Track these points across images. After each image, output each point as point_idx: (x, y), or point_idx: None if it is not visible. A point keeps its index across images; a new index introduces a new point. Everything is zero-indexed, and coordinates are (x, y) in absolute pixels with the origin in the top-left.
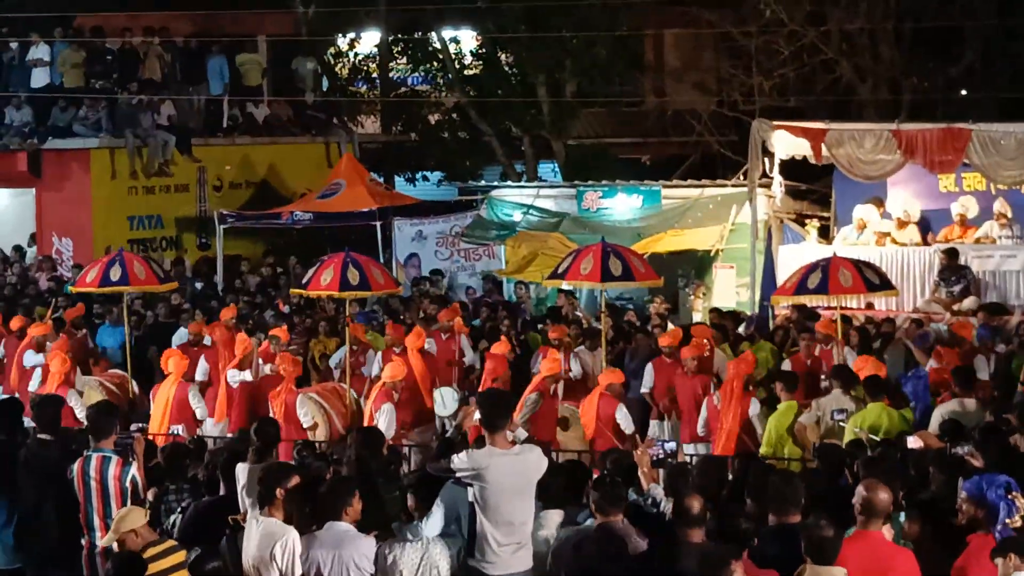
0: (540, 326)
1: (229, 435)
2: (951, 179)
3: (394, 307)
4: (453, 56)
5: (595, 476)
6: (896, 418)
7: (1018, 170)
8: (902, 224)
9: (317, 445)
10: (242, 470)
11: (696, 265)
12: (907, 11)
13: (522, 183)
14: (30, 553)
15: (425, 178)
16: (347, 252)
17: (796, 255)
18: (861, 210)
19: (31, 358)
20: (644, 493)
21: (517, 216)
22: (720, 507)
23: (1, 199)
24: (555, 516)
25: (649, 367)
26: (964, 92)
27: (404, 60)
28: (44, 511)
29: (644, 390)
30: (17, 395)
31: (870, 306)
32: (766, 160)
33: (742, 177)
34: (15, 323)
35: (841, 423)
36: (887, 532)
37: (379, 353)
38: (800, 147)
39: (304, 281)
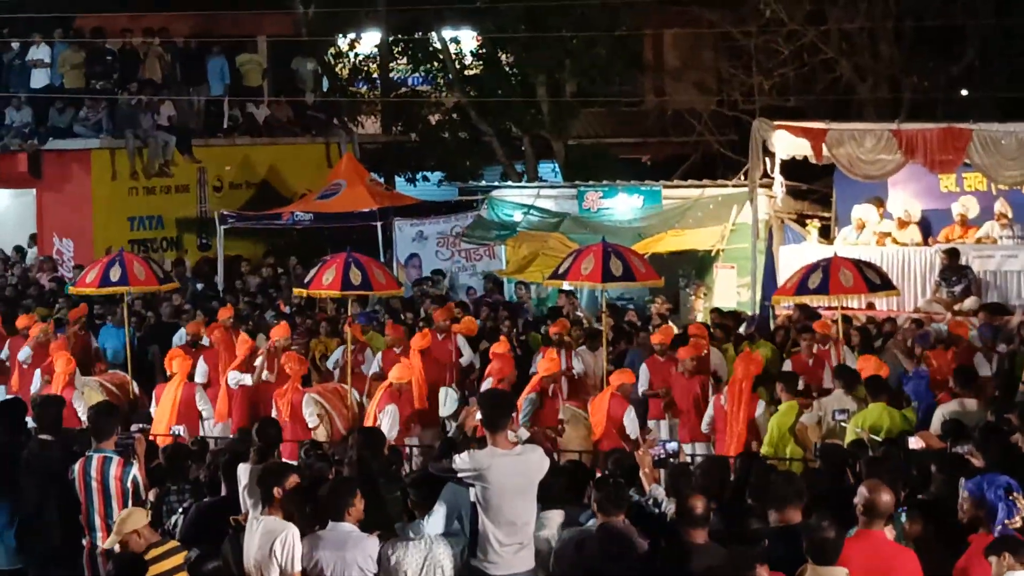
0: (542, 328)
1: (230, 436)
2: (952, 179)
3: (395, 307)
4: (453, 56)
5: (597, 476)
6: (897, 418)
7: (1019, 170)
8: (903, 224)
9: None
10: (244, 471)
11: (697, 265)
12: (907, 10)
13: (523, 183)
14: (31, 554)
15: (425, 178)
16: (349, 252)
17: (797, 255)
18: (861, 210)
19: (23, 354)
20: (646, 493)
21: (518, 216)
22: (726, 508)
23: (1, 200)
24: (556, 516)
25: (644, 367)
26: (964, 92)
27: (404, 60)
28: (45, 512)
29: (642, 389)
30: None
31: (871, 306)
32: (767, 160)
33: (743, 177)
34: (21, 322)
35: (842, 423)
36: (889, 532)
37: (379, 353)
38: (801, 147)
39: (306, 281)
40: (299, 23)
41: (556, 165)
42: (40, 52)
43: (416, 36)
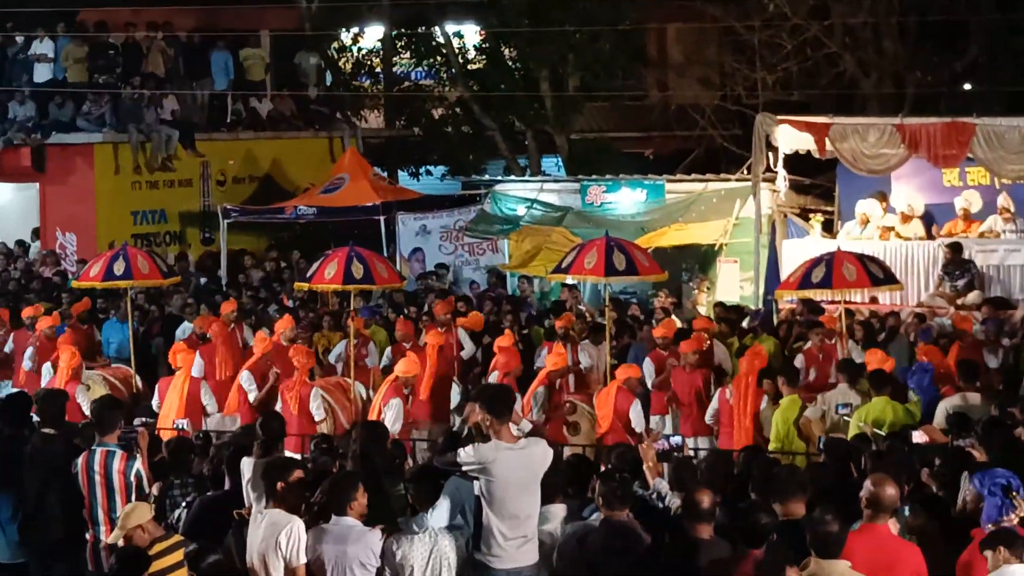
0: (545, 322)
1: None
2: (955, 173)
3: (398, 301)
4: (456, 50)
5: (601, 470)
6: (900, 412)
7: (1022, 164)
8: (906, 218)
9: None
10: (247, 464)
11: (700, 259)
12: (911, 5)
13: (526, 177)
14: (34, 547)
15: (429, 172)
16: (351, 246)
17: (800, 249)
18: (865, 205)
19: (27, 355)
20: (649, 487)
21: (521, 210)
22: (730, 502)
23: (5, 194)
24: (559, 510)
25: (647, 361)
26: (968, 86)
27: (407, 55)
28: (48, 506)
29: (650, 382)
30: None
31: (874, 300)
32: (770, 154)
33: (746, 171)
34: (27, 312)
35: (845, 417)
36: (893, 526)
37: (389, 347)
38: (804, 141)
39: (308, 275)
40: (302, 17)
41: (559, 159)
42: (43, 47)
43: (419, 30)
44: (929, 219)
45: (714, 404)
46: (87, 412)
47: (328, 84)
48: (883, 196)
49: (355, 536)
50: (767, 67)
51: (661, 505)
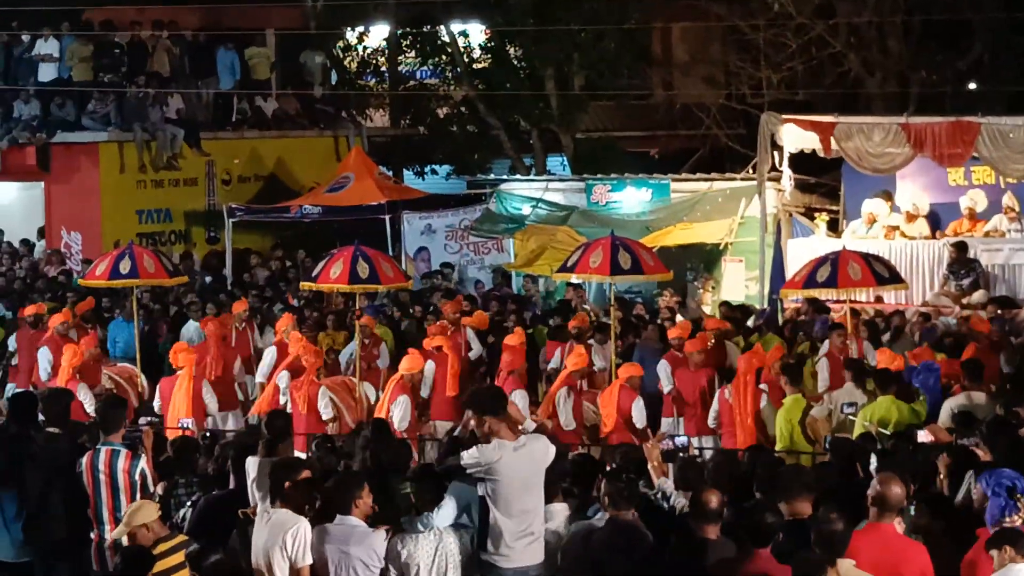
0: (550, 321)
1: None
2: (960, 172)
3: (403, 301)
4: (462, 49)
5: (607, 469)
6: (906, 411)
7: None
8: (911, 217)
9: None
10: (252, 464)
11: (705, 259)
12: (915, 4)
13: (531, 177)
14: (38, 546)
15: (434, 172)
16: (357, 245)
17: (805, 248)
18: (870, 204)
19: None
20: (654, 487)
21: (526, 210)
22: (736, 501)
23: (10, 193)
24: (562, 509)
25: (664, 364)
26: (973, 85)
27: (413, 54)
28: (52, 505)
29: (667, 390)
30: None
31: (879, 299)
32: (775, 153)
33: (751, 170)
34: (28, 311)
35: (851, 416)
36: (899, 526)
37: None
38: (809, 140)
39: (314, 274)
40: (308, 16)
41: (564, 158)
42: (48, 46)
43: (425, 29)
44: (934, 218)
45: (715, 406)
46: (89, 410)
47: (333, 83)
48: (888, 195)
49: (358, 537)
50: (772, 66)
51: (666, 505)
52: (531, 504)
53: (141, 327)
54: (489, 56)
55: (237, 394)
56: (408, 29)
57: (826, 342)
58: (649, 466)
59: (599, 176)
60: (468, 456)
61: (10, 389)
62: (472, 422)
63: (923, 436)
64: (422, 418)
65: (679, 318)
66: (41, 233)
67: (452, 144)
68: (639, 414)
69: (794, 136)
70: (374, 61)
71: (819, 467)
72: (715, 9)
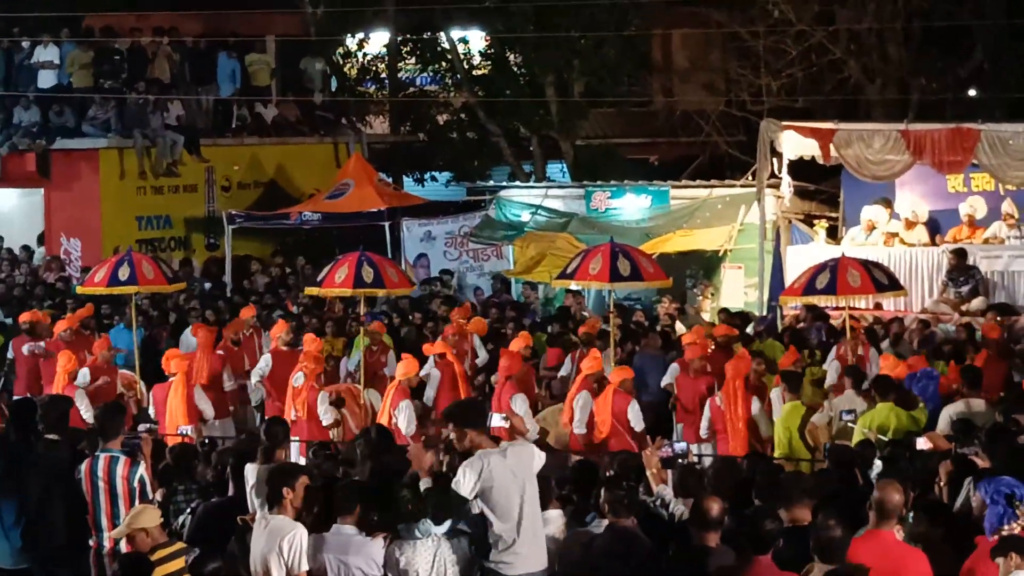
0: (549, 328)
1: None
2: (959, 179)
3: (403, 307)
4: (462, 56)
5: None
6: (905, 418)
7: None
8: (910, 224)
9: (332, 446)
10: (251, 470)
11: (704, 265)
12: (915, 11)
13: (530, 183)
14: (37, 553)
15: (434, 178)
16: (362, 251)
17: (804, 255)
18: (869, 211)
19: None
20: (653, 494)
21: (525, 216)
22: (735, 508)
23: (10, 199)
24: (555, 515)
25: (675, 367)
26: (973, 92)
27: (413, 60)
28: (51, 511)
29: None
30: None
31: (878, 306)
32: (774, 160)
33: (750, 177)
34: (23, 317)
35: (850, 423)
36: (899, 533)
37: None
38: (808, 147)
39: (319, 279)
40: (308, 23)
41: (564, 165)
42: (48, 53)
43: (424, 36)
44: (933, 225)
45: (707, 414)
46: (86, 417)
47: (333, 90)
48: (887, 202)
49: (356, 545)
50: (772, 73)
51: (665, 512)
52: (528, 509)
53: (142, 334)
54: (489, 63)
55: (227, 402)
56: (408, 36)
57: (834, 348)
58: (648, 473)
59: (599, 183)
60: (464, 483)
61: None
62: (452, 436)
63: (922, 443)
64: (424, 423)
65: (679, 325)
66: (41, 239)
67: (452, 151)
68: (636, 417)
69: (794, 143)
70: (374, 68)
71: (818, 474)
72: (715, 16)
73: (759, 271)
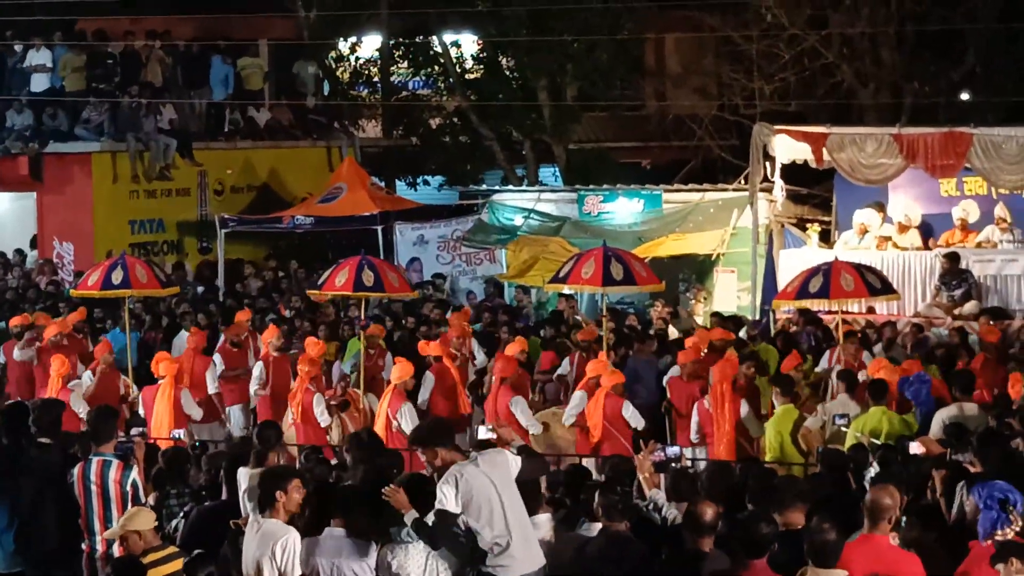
0: (542, 332)
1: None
2: (952, 183)
3: (396, 311)
4: (454, 60)
5: (598, 480)
6: (897, 422)
7: (1019, 174)
8: (903, 228)
9: (328, 449)
10: (243, 474)
11: (697, 269)
12: (908, 15)
13: (523, 187)
14: (30, 557)
15: (426, 182)
16: (363, 254)
17: (797, 259)
18: (862, 214)
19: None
20: (646, 498)
21: (518, 220)
22: (729, 512)
23: (2, 203)
24: (545, 520)
25: (677, 369)
26: (965, 96)
27: (405, 64)
28: (44, 515)
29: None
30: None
31: (871, 310)
32: (767, 164)
33: (743, 181)
34: (14, 322)
35: (843, 428)
36: (893, 539)
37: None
38: (801, 151)
39: (319, 282)
40: (301, 26)
41: (557, 169)
42: (41, 56)
43: (417, 40)
44: (926, 229)
45: (695, 418)
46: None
47: (326, 93)
48: (880, 206)
49: (348, 549)
50: (764, 77)
51: (658, 516)
52: (513, 512)
53: (137, 337)
54: (482, 67)
55: (216, 406)
56: (401, 40)
57: (827, 352)
58: (641, 477)
59: (591, 187)
60: (447, 500)
61: None
62: (423, 458)
63: (915, 448)
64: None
65: (672, 329)
66: (33, 243)
67: (444, 155)
68: (634, 417)
69: (786, 147)
70: (367, 72)
71: (812, 478)
72: (708, 20)
73: (752, 275)
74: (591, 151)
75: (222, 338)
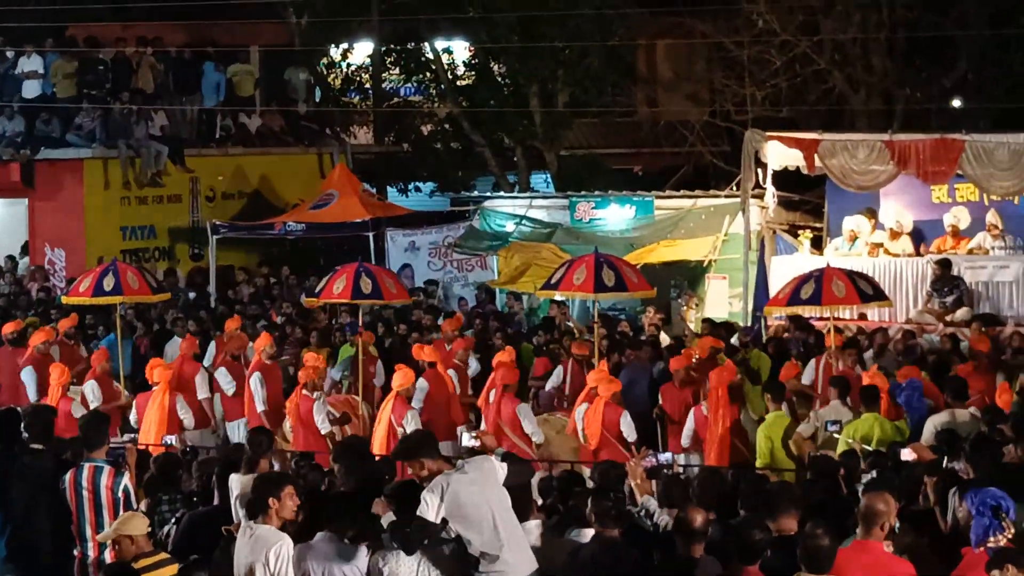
0: (533, 339)
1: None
2: (944, 190)
3: (387, 318)
4: (446, 66)
5: (590, 487)
6: (889, 428)
7: (1011, 181)
8: (895, 235)
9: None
10: (235, 480)
11: (689, 276)
12: (900, 21)
13: (515, 194)
14: (22, 563)
15: (418, 189)
16: (360, 261)
17: (789, 266)
18: (854, 221)
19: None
20: (637, 504)
21: (510, 227)
22: (722, 519)
23: None
24: (535, 526)
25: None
26: (957, 102)
27: (397, 70)
28: (36, 521)
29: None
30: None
31: (863, 317)
32: (759, 171)
33: (735, 188)
34: (7, 328)
35: (835, 434)
36: (888, 546)
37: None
38: (793, 158)
39: (317, 290)
40: (292, 33)
41: (548, 175)
42: (32, 63)
43: (409, 46)
44: (918, 236)
45: (690, 424)
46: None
47: (317, 100)
48: (872, 212)
49: (341, 554)
50: (756, 83)
51: (649, 523)
52: (502, 518)
53: (131, 344)
54: (473, 73)
55: (207, 412)
56: (392, 46)
57: (813, 359)
58: (633, 483)
59: (583, 193)
60: (428, 509)
61: None
62: (410, 471)
63: (906, 454)
64: None
65: (663, 335)
66: (25, 250)
67: (436, 161)
68: (628, 428)
69: (778, 153)
70: (358, 78)
71: (804, 484)
72: (699, 26)
73: (744, 281)
74: (583, 157)
75: (212, 349)
